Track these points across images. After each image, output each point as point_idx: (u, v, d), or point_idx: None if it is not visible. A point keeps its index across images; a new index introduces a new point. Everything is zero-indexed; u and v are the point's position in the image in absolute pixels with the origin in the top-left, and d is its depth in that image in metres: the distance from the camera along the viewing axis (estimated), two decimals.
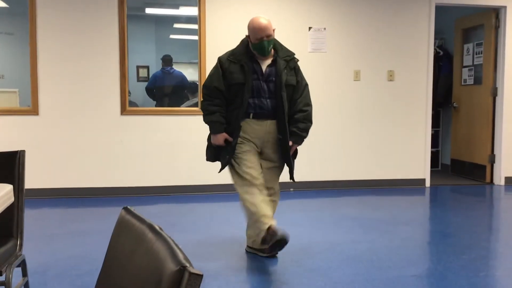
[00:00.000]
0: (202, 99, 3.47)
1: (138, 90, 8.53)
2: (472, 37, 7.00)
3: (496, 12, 6.45)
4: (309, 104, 3.46)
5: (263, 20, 3.29)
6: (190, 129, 5.74)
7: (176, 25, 9.09)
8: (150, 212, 4.93)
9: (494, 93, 6.52)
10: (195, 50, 5.82)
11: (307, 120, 3.44)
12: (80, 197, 5.52)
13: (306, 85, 3.49)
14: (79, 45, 5.50)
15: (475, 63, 6.87)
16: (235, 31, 5.74)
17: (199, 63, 5.75)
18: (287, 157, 3.42)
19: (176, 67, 8.16)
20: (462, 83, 7.12)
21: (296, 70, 3.44)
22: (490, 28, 6.53)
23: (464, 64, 7.09)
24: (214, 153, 3.46)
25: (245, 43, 3.40)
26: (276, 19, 5.71)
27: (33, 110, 5.45)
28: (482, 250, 3.79)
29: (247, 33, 3.37)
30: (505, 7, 6.34)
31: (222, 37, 5.72)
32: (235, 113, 3.33)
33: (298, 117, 3.40)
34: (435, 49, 7.04)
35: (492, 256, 3.76)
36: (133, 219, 1.12)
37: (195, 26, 5.82)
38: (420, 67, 6.23)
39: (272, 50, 3.38)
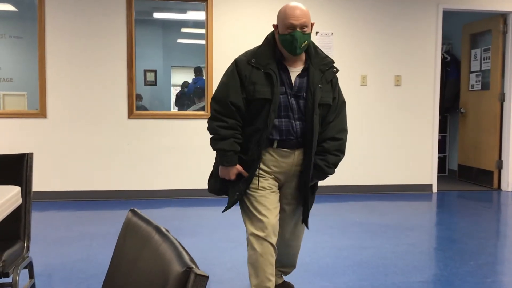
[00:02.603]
0: (210, 117, 2.52)
1: (146, 94, 8.58)
2: (479, 42, 6.98)
3: (504, 18, 6.44)
4: (345, 129, 2.58)
5: (299, 5, 2.42)
6: (197, 133, 5.75)
7: (184, 30, 9.14)
8: (156, 216, 4.93)
9: (502, 99, 6.50)
10: (203, 54, 5.84)
11: (340, 152, 2.56)
12: (87, 200, 5.54)
13: (344, 103, 2.62)
14: (87, 49, 5.54)
15: (482, 68, 6.85)
16: (242, 35, 5.77)
17: (206, 67, 5.77)
18: (305, 196, 2.59)
19: (183, 72, 8.20)
20: (470, 89, 7.09)
21: (334, 84, 2.55)
22: (497, 34, 6.51)
23: (472, 70, 7.07)
24: (220, 184, 2.62)
25: (270, 42, 2.50)
26: None
27: (41, 113, 5.48)
28: (489, 256, 3.76)
29: (274, 23, 2.51)
30: None
31: (229, 41, 5.75)
32: (255, 138, 2.44)
33: (328, 146, 2.53)
34: (442, 54, 7.03)
35: (499, 262, 3.73)
36: (139, 221, 1.13)
37: (203, 31, 5.84)
38: (427, 72, 6.22)
39: (304, 54, 2.52)
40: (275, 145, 2.48)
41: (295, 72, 2.48)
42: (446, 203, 5.98)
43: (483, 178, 6.78)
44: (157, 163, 5.71)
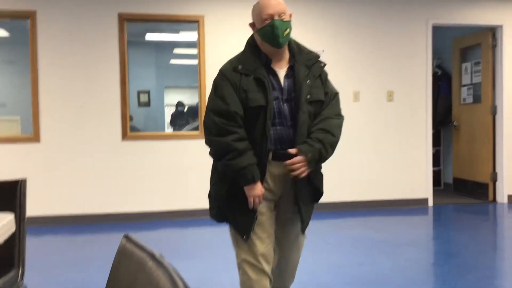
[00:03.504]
0: (214, 133, 2.23)
1: (139, 115, 8.59)
2: (470, 56, 7.05)
3: (493, 31, 6.52)
4: (330, 117, 2.31)
5: None
6: (191, 153, 5.75)
7: (176, 50, 9.20)
8: (152, 238, 4.90)
9: (494, 112, 6.54)
10: (195, 74, 5.87)
11: (323, 130, 2.25)
12: (82, 224, 5.50)
13: (336, 94, 2.41)
14: (80, 72, 5.55)
15: (473, 82, 6.91)
16: (233, 55, 5.79)
17: (199, 87, 5.79)
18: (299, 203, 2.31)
19: (176, 92, 8.22)
20: (462, 102, 7.15)
21: (324, 79, 2.35)
22: (487, 47, 6.58)
23: (463, 83, 7.13)
24: (223, 208, 2.34)
25: (252, 45, 2.35)
26: None
27: (35, 137, 5.47)
28: (487, 270, 3.75)
29: (251, 21, 2.37)
30: (501, 26, 6.41)
31: (221, 61, 5.73)
32: (256, 148, 2.21)
33: (313, 129, 2.26)
34: (433, 68, 7.09)
35: (497, 275, 3.72)
36: (133, 247, 1.12)
37: (195, 51, 5.88)
38: (419, 86, 6.27)
39: (288, 53, 2.33)
40: (270, 157, 2.23)
41: (282, 73, 2.28)
42: (442, 217, 5.98)
43: (478, 191, 6.79)
44: (152, 185, 5.69)
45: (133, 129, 6.33)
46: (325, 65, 2.39)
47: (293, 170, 2.20)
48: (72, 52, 5.53)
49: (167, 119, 9.28)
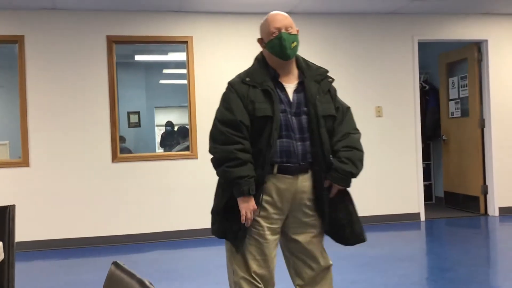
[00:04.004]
0: (219, 141, 2.26)
1: (130, 135, 8.58)
2: (456, 70, 7.13)
3: (478, 46, 6.61)
4: (349, 132, 2.38)
5: (279, 12, 2.36)
6: (182, 173, 5.73)
7: (166, 71, 9.23)
8: (144, 260, 4.86)
9: (482, 125, 6.60)
10: (185, 94, 5.88)
11: (349, 147, 2.32)
12: (73, 248, 5.43)
13: (348, 109, 2.45)
14: (69, 95, 5.54)
15: (461, 96, 6.98)
16: (223, 74, 5.82)
17: (188, 107, 5.80)
18: (334, 225, 2.34)
19: (166, 112, 8.22)
20: (450, 116, 7.21)
21: (333, 94, 2.40)
22: (473, 62, 6.67)
23: (450, 97, 7.20)
24: (225, 224, 2.33)
25: (261, 60, 2.37)
26: None
27: (24, 162, 5.43)
28: (480, 284, 3.75)
29: (259, 36, 2.39)
30: (486, 40, 6.50)
31: (210, 80, 5.81)
32: (259, 161, 2.22)
33: (337, 147, 2.30)
34: (420, 83, 7.16)
35: None
36: (122, 274, 1.11)
37: (184, 71, 5.90)
38: (407, 101, 6.32)
39: (297, 69, 2.37)
40: (275, 170, 2.23)
41: (291, 88, 2.31)
42: (435, 231, 5.99)
43: (469, 204, 6.81)
44: (143, 206, 5.65)
45: (124, 150, 6.31)
46: (333, 80, 2.44)
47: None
48: (60, 75, 5.53)
49: (158, 139, 9.27)
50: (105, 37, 5.60)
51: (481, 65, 6.61)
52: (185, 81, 5.90)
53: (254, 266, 2.27)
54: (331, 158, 2.29)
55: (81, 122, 5.55)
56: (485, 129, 6.59)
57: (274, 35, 2.26)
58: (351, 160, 2.28)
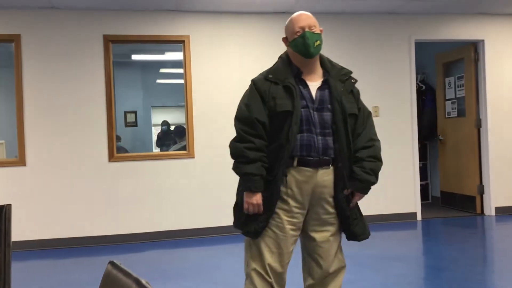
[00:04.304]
0: (235, 139, 2.35)
1: (126, 135, 8.56)
2: (453, 70, 7.15)
3: (475, 46, 6.62)
4: (373, 139, 2.46)
5: (304, 12, 2.43)
6: (179, 173, 5.73)
7: (162, 70, 9.21)
8: (140, 259, 4.85)
9: (478, 125, 6.62)
10: (182, 93, 5.88)
11: (374, 158, 2.41)
12: (69, 247, 5.42)
13: (370, 114, 2.53)
14: (66, 94, 5.53)
15: (457, 96, 6.99)
16: (220, 74, 5.84)
17: (185, 106, 5.79)
18: (349, 218, 2.43)
19: (163, 111, 8.19)
20: (446, 116, 7.22)
21: (356, 94, 2.49)
22: (469, 62, 6.68)
23: (447, 97, 7.22)
24: (245, 216, 2.34)
25: (285, 59, 2.45)
26: (259, 63, 5.81)
27: (20, 161, 5.41)
28: (477, 284, 3.75)
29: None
30: (483, 40, 6.51)
31: (208, 79, 5.81)
32: (279, 155, 2.29)
33: (361, 155, 2.38)
34: (417, 83, 7.17)
35: None
36: (119, 274, 1.10)
37: (181, 70, 5.89)
38: (404, 102, 6.33)
39: (321, 68, 2.45)
40: (295, 163, 2.30)
41: (314, 85, 2.37)
42: (431, 230, 6.00)
43: (466, 204, 6.82)
44: (140, 206, 5.64)
45: (120, 149, 6.29)
46: (356, 81, 2.51)
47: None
48: (57, 74, 5.51)
49: (155, 138, 9.25)
50: (102, 36, 5.59)
51: (477, 65, 6.63)
52: (182, 81, 5.89)
53: (269, 258, 2.31)
54: (354, 167, 2.36)
55: (77, 121, 5.54)
56: (481, 129, 6.61)
57: (298, 34, 2.33)
58: (374, 172, 2.39)
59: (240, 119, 2.34)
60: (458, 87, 6.98)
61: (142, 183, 5.65)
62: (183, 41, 5.78)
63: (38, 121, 5.46)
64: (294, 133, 2.26)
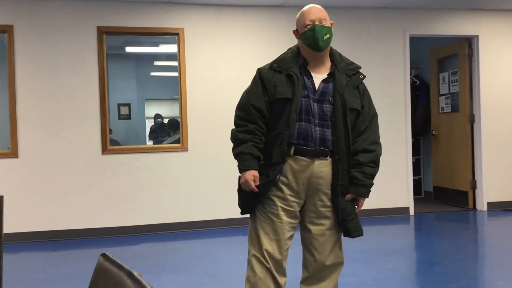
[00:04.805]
0: (234, 125, 2.44)
1: (120, 127, 8.52)
2: (447, 66, 7.16)
3: (469, 42, 6.63)
4: (377, 142, 2.48)
5: (314, 5, 2.44)
6: (173, 166, 5.71)
7: (157, 63, 9.16)
8: (134, 252, 4.84)
9: (472, 120, 6.64)
10: (176, 86, 5.85)
11: (374, 163, 2.44)
12: (62, 240, 5.40)
13: (375, 114, 2.54)
14: (59, 86, 5.49)
15: (451, 91, 7.01)
16: (214, 66, 5.82)
17: (180, 99, 5.77)
18: (344, 214, 2.39)
19: (157, 104, 8.15)
20: (440, 111, 7.24)
21: (362, 91, 2.47)
22: (464, 57, 6.69)
23: (441, 93, 7.24)
24: (247, 200, 2.40)
25: (294, 50, 2.47)
26: (255, 58, 5.80)
27: (13, 152, 5.38)
28: (469, 278, 3.78)
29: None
30: (477, 36, 6.53)
31: (202, 72, 5.78)
32: (278, 141, 2.32)
33: (363, 159, 2.39)
34: (411, 78, 7.18)
35: (479, 284, 3.75)
36: (111, 266, 1.10)
37: (175, 63, 5.87)
38: (398, 96, 6.34)
39: (330, 61, 2.45)
40: (292, 151, 2.32)
41: (319, 78, 2.39)
42: (424, 225, 6.02)
43: (458, 199, 6.86)
44: (133, 199, 5.63)
45: (114, 142, 6.27)
46: (364, 77, 2.50)
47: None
48: (50, 65, 5.47)
49: (148, 131, 9.22)
50: (95, 27, 5.56)
51: (471, 61, 6.64)
52: (176, 74, 5.86)
53: (266, 244, 2.35)
54: (355, 172, 2.37)
55: (70, 113, 5.51)
56: (474, 124, 6.63)
57: (308, 27, 2.35)
58: (373, 176, 2.44)
59: (238, 106, 2.43)
60: (452, 83, 7.00)
61: (135, 176, 5.63)
62: (177, 34, 5.76)
63: (31, 113, 5.42)
64: (294, 120, 2.29)
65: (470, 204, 6.67)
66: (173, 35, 5.81)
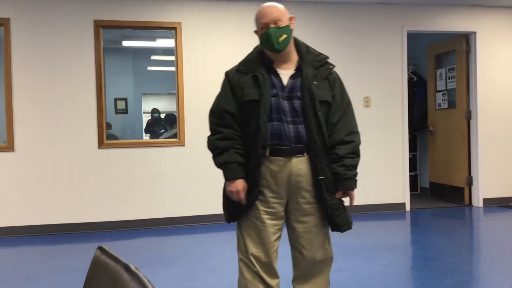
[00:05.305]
0: (210, 133, 2.39)
1: (117, 122, 8.51)
2: (444, 62, 7.17)
3: (466, 38, 6.63)
4: (354, 131, 2.39)
5: (270, 3, 2.33)
6: (170, 160, 5.71)
7: (154, 57, 9.14)
8: (131, 247, 4.84)
9: (468, 117, 6.65)
10: (173, 81, 5.84)
11: (354, 154, 2.35)
12: (58, 234, 5.40)
13: (349, 103, 2.44)
14: (55, 80, 5.47)
15: (448, 87, 7.02)
16: (212, 61, 5.80)
17: (176, 94, 5.76)
18: (331, 209, 2.32)
19: (154, 99, 8.12)
20: (437, 107, 7.25)
21: (332, 81, 2.38)
22: (461, 53, 6.70)
23: (438, 89, 7.24)
24: (233, 210, 2.36)
25: (259, 49, 2.42)
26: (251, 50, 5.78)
27: (9, 146, 5.36)
28: (464, 274, 3.79)
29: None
30: (474, 32, 6.53)
31: (199, 67, 5.77)
32: (251, 145, 2.28)
33: (341, 152, 2.30)
34: (409, 74, 7.19)
35: (474, 279, 3.77)
36: (107, 259, 1.10)
37: (172, 58, 5.85)
38: (395, 92, 6.34)
39: (297, 55, 2.39)
40: (267, 152, 2.27)
41: (286, 74, 2.33)
42: (420, 221, 6.04)
43: (454, 195, 6.88)
44: (129, 193, 5.62)
45: (111, 137, 6.26)
46: (333, 66, 2.43)
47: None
48: (47, 59, 5.45)
49: (145, 126, 9.21)
50: (92, 21, 5.53)
51: (469, 57, 6.65)
52: (173, 68, 5.85)
53: (252, 248, 2.32)
54: (336, 167, 2.29)
55: (67, 107, 5.49)
56: (471, 121, 6.64)
57: (263, 30, 2.29)
58: (355, 167, 2.34)
59: (211, 112, 2.38)
60: (449, 79, 7.00)
61: (132, 170, 5.63)
62: (174, 28, 5.74)
63: (27, 107, 5.41)
64: (264, 121, 2.23)
65: (466, 200, 6.69)
66: (171, 29, 5.79)
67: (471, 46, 6.60)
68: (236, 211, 2.35)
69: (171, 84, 6.05)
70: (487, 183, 6.58)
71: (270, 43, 2.27)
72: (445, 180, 7.08)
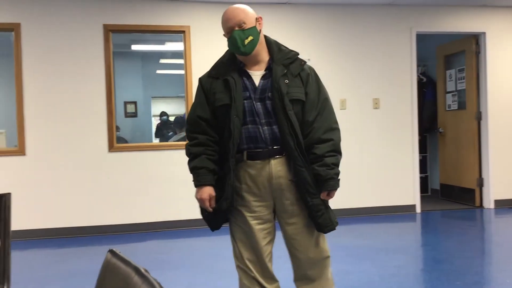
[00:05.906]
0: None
1: (126, 125, 8.56)
2: (454, 63, 7.13)
3: (476, 38, 6.60)
4: (332, 128, 2.29)
5: (233, 6, 2.31)
6: (178, 163, 5.72)
7: (163, 61, 9.19)
8: (140, 250, 4.86)
9: (479, 117, 6.61)
10: (182, 84, 5.87)
11: (334, 151, 2.27)
12: (69, 237, 5.44)
13: (326, 99, 2.35)
14: (65, 83, 5.51)
15: (458, 88, 6.98)
16: None
17: (186, 97, 5.79)
18: (312, 210, 2.25)
19: (163, 102, 8.16)
20: (447, 109, 7.21)
21: (304, 78, 2.29)
22: (471, 54, 6.66)
23: (448, 90, 7.20)
24: (206, 217, 2.38)
25: (230, 52, 2.39)
26: None
27: (20, 150, 5.41)
28: (475, 276, 3.77)
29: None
30: (484, 33, 6.49)
31: (207, 70, 5.78)
32: (226, 150, 2.24)
33: (319, 151, 2.23)
34: (418, 76, 7.16)
35: (486, 281, 3.74)
36: (118, 262, 1.11)
37: (181, 61, 5.87)
38: (404, 94, 6.32)
39: (268, 55, 2.33)
40: (244, 157, 2.23)
41: (258, 75, 2.28)
42: (430, 223, 6.01)
43: (465, 197, 6.83)
44: (139, 196, 5.65)
45: (120, 140, 6.29)
46: (305, 62, 2.35)
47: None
48: (57, 63, 5.50)
49: (154, 129, 9.26)
50: (102, 25, 5.57)
51: (478, 58, 6.61)
52: (182, 71, 5.87)
53: (245, 253, 2.32)
54: (316, 168, 2.22)
55: (77, 111, 5.53)
56: (481, 121, 6.60)
57: (228, 35, 2.27)
58: (336, 164, 2.28)
59: (187, 120, 2.39)
60: (458, 80, 6.97)
61: (142, 173, 5.65)
62: (183, 31, 5.76)
63: (38, 111, 5.45)
64: (236, 125, 2.19)
65: (477, 201, 6.64)
66: (179, 33, 5.81)
67: (481, 47, 6.57)
68: (209, 218, 2.34)
69: (180, 87, 6.08)
70: (498, 185, 6.54)
71: (236, 46, 2.23)
72: (456, 182, 7.03)
